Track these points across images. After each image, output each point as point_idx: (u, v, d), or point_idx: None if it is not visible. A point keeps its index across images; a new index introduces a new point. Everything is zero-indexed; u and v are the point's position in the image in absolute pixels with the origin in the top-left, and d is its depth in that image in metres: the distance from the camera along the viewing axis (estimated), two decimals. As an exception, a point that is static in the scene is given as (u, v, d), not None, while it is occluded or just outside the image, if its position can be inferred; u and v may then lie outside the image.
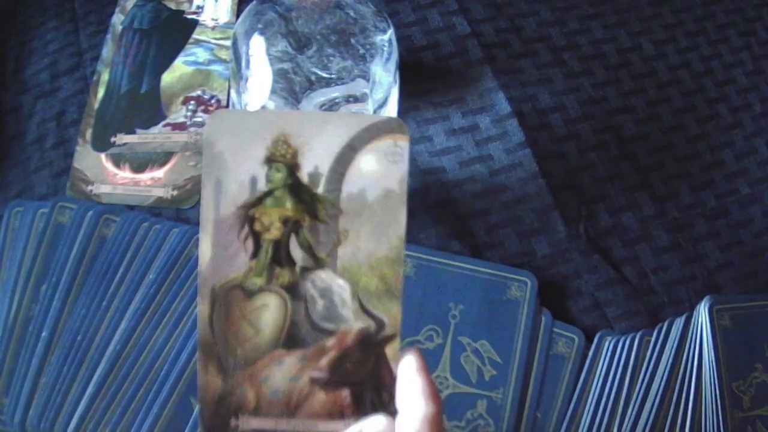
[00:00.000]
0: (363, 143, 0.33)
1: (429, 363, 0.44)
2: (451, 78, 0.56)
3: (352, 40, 0.43)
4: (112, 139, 0.54)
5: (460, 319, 0.46)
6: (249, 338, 0.33)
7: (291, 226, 0.33)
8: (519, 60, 0.57)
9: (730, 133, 0.56)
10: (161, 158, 0.53)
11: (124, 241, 0.48)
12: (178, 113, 0.55)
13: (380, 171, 0.33)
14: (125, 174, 0.53)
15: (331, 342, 0.32)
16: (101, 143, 0.54)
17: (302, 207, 0.33)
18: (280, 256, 0.33)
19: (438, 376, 0.45)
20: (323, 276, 0.33)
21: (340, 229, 0.33)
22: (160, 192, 0.52)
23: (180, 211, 0.51)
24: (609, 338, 0.46)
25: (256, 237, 0.33)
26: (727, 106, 0.57)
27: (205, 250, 0.32)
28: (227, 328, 0.33)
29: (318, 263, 0.33)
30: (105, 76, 0.57)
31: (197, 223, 0.50)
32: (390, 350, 0.33)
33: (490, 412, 0.44)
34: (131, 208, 0.51)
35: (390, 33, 0.45)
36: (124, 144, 0.54)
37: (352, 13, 0.44)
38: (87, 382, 0.45)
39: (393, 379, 0.32)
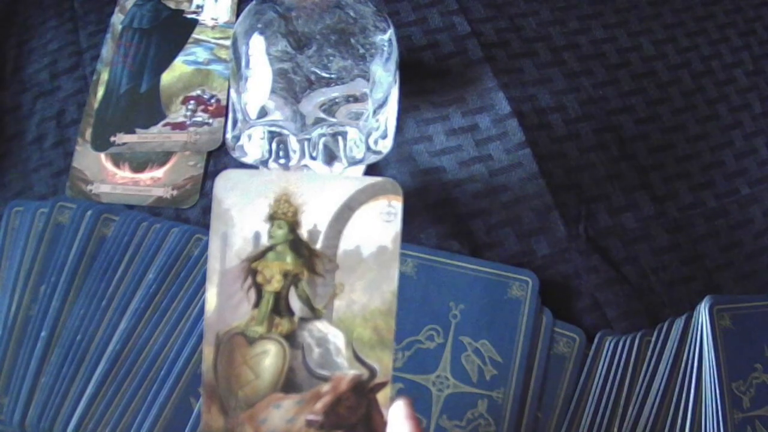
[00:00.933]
0: (359, 203, 0.36)
1: (429, 363, 0.45)
2: (451, 78, 0.56)
3: (352, 40, 0.43)
4: (112, 139, 0.54)
5: (460, 319, 0.46)
6: (249, 382, 0.35)
7: (291, 279, 0.35)
8: (519, 60, 0.57)
9: (729, 133, 0.56)
10: (161, 158, 0.53)
11: (123, 241, 0.48)
12: (178, 113, 0.55)
13: (375, 229, 0.36)
14: (125, 174, 0.53)
15: (326, 387, 0.35)
16: (101, 143, 0.54)
17: (301, 261, 0.36)
18: (280, 306, 0.35)
19: (439, 375, 0.45)
20: (320, 326, 0.35)
21: (337, 283, 0.35)
22: (159, 192, 0.52)
23: (179, 211, 0.51)
24: (609, 338, 0.46)
25: (258, 288, 0.35)
26: (727, 106, 0.57)
27: (210, 298, 0.35)
28: (229, 372, 0.35)
29: (315, 314, 0.35)
30: (105, 76, 0.57)
31: (197, 223, 0.50)
32: (381, 397, 0.35)
33: (491, 411, 0.44)
34: (131, 207, 0.51)
35: (390, 33, 0.45)
36: (124, 144, 0.54)
37: (352, 13, 0.44)
38: (86, 381, 0.45)
39: (384, 424, 0.34)
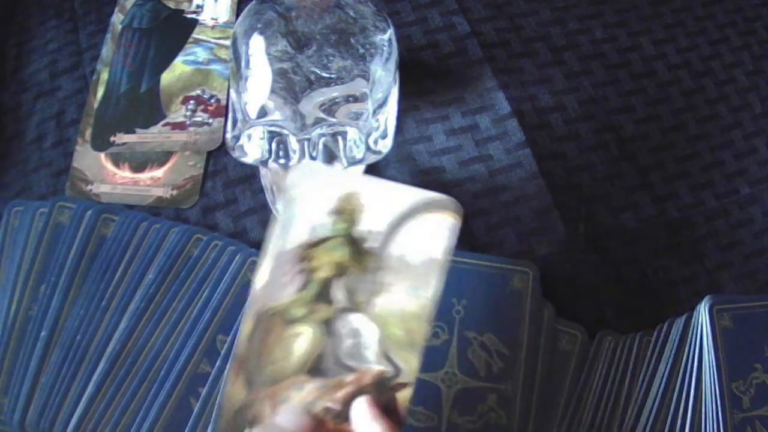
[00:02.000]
0: (419, 212, 0.37)
1: (436, 360, 0.45)
2: (451, 78, 0.56)
3: (352, 40, 0.43)
4: (112, 139, 0.54)
5: (464, 314, 0.46)
6: (279, 360, 0.36)
7: (339, 270, 0.37)
8: (519, 60, 0.57)
9: (730, 133, 0.56)
10: (161, 158, 0.53)
11: (123, 241, 0.48)
12: (178, 113, 0.55)
13: (428, 239, 0.37)
14: (124, 173, 0.53)
15: (350, 378, 0.36)
16: (101, 143, 0.54)
17: (352, 256, 0.37)
18: (323, 294, 0.37)
19: (447, 372, 0.45)
20: (357, 319, 0.37)
21: (381, 282, 0.37)
22: (159, 191, 0.52)
23: (179, 211, 0.51)
24: (609, 338, 0.46)
25: (308, 274, 0.37)
26: (727, 106, 0.57)
27: (262, 275, 0.37)
28: (262, 347, 0.36)
29: (355, 306, 0.37)
30: (104, 76, 0.57)
31: (197, 223, 0.50)
32: (401, 397, 0.36)
33: (501, 404, 0.44)
34: (130, 207, 0.51)
35: (390, 33, 0.45)
36: (124, 143, 0.54)
37: (352, 13, 0.44)
38: (86, 381, 0.45)
39: (400, 424, 0.35)
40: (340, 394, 0.35)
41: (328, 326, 0.36)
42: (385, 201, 0.38)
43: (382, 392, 0.36)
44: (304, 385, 0.36)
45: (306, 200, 0.37)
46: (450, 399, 0.44)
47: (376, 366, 0.36)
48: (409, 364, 0.36)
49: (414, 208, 0.38)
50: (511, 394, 0.44)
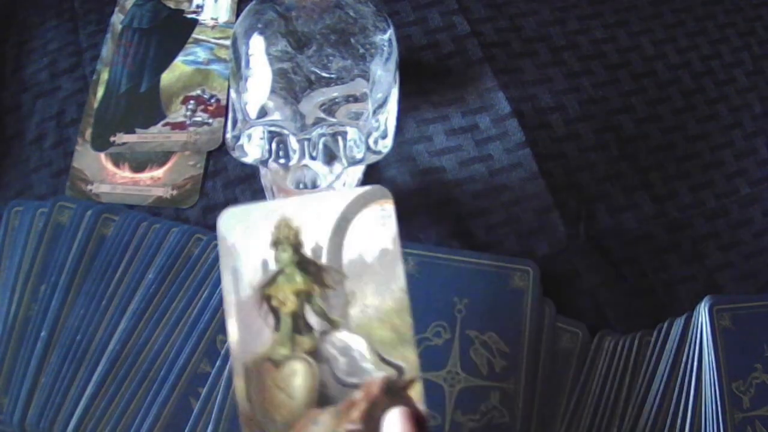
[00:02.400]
0: (353, 213, 0.37)
1: (438, 359, 0.45)
2: (451, 78, 0.56)
3: (352, 40, 0.43)
4: (112, 139, 0.54)
5: (466, 313, 0.46)
6: (285, 404, 0.36)
7: (304, 297, 0.37)
8: (519, 60, 0.57)
9: (729, 133, 0.56)
10: (161, 158, 0.53)
11: (123, 241, 0.48)
12: (178, 113, 0.55)
13: (373, 234, 0.37)
14: (125, 173, 0.53)
15: (358, 395, 0.35)
16: (101, 143, 0.54)
17: (311, 278, 0.37)
18: (299, 325, 0.36)
19: (449, 371, 0.45)
20: (340, 336, 0.36)
21: (348, 292, 0.37)
22: (159, 191, 0.52)
23: (179, 211, 0.51)
24: (609, 338, 0.46)
25: (275, 312, 0.36)
26: (726, 106, 0.57)
27: (232, 331, 0.36)
28: (263, 398, 0.36)
29: (333, 325, 0.36)
30: (104, 76, 0.57)
31: (197, 223, 0.50)
32: (414, 393, 0.35)
33: (504, 402, 0.44)
34: (131, 207, 0.51)
35: (390, 33, 0.45)
36: (124, 143, 0.54)
37: (352, 13, 0.44)
38: (86, 381, 0.45)
39: (424, 419, 0.35)
40: (356, 413, 0.35)
41: (316, 354, 0.36)
42: (317, 215, 0.38)
43: (394, 396, 0.35)
44: (318, 418, 0.35)
45: (244, 243, 0.37)
46: (452, 398, 0.44)
47: (377, 374, 0.36)
48: (408, 360, 0.36)
49: (348, 210, 0.38)
50: (514, 393, 0.44)
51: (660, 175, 0.54)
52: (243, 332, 0.37)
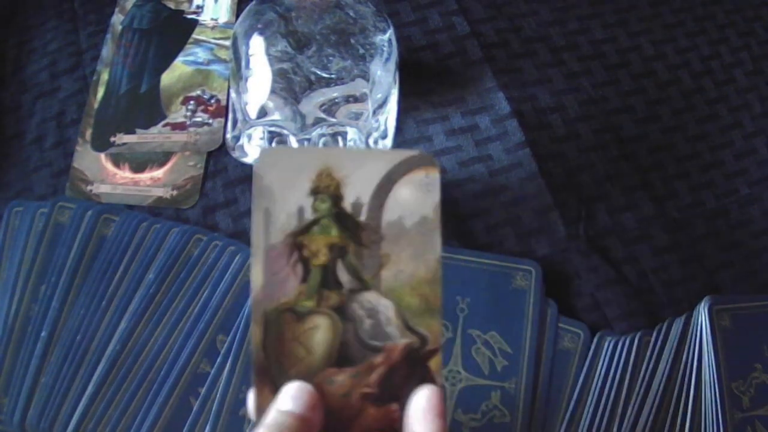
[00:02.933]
0: (399, 175, 0.36)
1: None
2: (451, 78, 0.56)
3: (352, 40, 0.43)
4: (112, 139, 0.54)
5: (468, 312, 0.46)
6: (302, 359, 0.34)
7: (337, 251, 0.35)
8: (519, 60, 0.57)
9: (729, 133, 0.56)
10: (161, 158, 0.53)
11: (123, 241, 0.48)
12: (178, 113, 0.55)
13: (415, 200, 0.36)
14: (125, 174, 0.53)
15: (379, 358, 0.34)
16: (101, 143, 0.54)
17: (347, 234, 0.35)
18: (329, 280, 0.35)
19: (451, 370, 0.45)
20: (369, 297, 0.35)
21: (383, 254, 0.35)
22: (159, 192, 0.52)
23: (179, 211, 0.51)
24: (609, 338, 0.46)
25: (305, 263, 0.35)
26: (726, 106, 0.57)
27: (257, 276, 0.34)
28: (280, 350, 0.34)
29: (364, 285, 0.35)
30: (104, 76, 0.57)
31: (197, 223, 0.50)
32: (433, 364, 0.34)
33: (505, 402, 0.44)
34: (131, 207, 0.51)
35: (390, 33, 0.45)
36: (124, 144, 0.54)
37: (351, 13, 0.44)
38: (86, 381, 0.45)
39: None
40: (374, 376, 0.34)
41: (342, 312, 0.35)
42: (361, 170, 0.36)
43: (414, 365, 0.35)
44: (334, 378, 0.34)
45: (280, 186, 0.35)
46: (454, 397, 0.44)
47: (401, 340, 0.35)
48: (432, 330, 0.35)
49: (394, 171, 0.36)
50: (515, 392, 0.44)
51: (660, 175, 0.54)
52: (268, 278, 0.35)
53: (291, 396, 0.32)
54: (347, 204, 0.35)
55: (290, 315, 0.35)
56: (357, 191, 0.36)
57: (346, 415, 0.34)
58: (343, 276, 0.35)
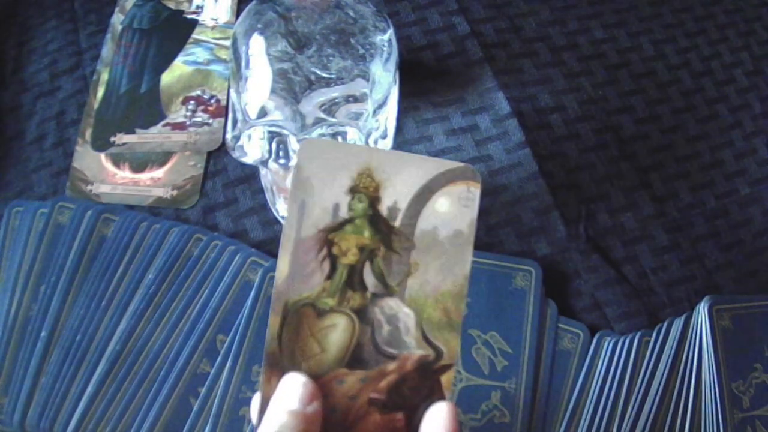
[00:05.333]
0: (440, 186, 0.35)
1: None
2: (451, 78, 0.56)
3: (352, 40, 0.43)
4: (112, 139, 0.54)
5: (468, 312, 0.46)
6: (315, 355, 0.34)
7: (367, 253, 0.35)
8: (519, 60, 0.57)
9: (729, 133, 0.56)
10: (161, 158, 0.53)
11: (123, 241, 0.48)
12: (178, 113, 0.55)
13: (452, 213, 0.35)
14: (125, 174, 0.53)
15: (392, 366, 0.34)
16: (101, 143, 0.54)
17: (379, 237, 0.35)
18: (354, 280, 0.35)
19: None
20: (391, 303, 0.35)
21: (412, 262, 0.35)
22: (159, 192, 0.52)
23: (179, 211, 0.51)
24: (609, 338, 0.46)
25: (333, 260, 0.35)
26: (726, 106, 0.57)
27: (283, 266, 0.34)
28: (295, 343, 0.34)
29: (388, 291, 0.35)
30: (104, 76, 0.57)
31: (197, 223, 0.50)
32: (445, 379, 0.34)
33: (505, 402, 0.44)
34: (131, 207, 0.51)
35: (390, 33, 0.45)
36: (124, 144, 0.54)
37: (351, 13, 0.44)
38: (86, 381, 0.45)
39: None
40: (384, 383, 0.34)
41: (362, 314, 0.35)
42: (403, 174, 0.35)
43: (425, 377, 0.34)
44: (344, 379, 0.34)
45: (319, 180, 0.35)
46: (454, 397, 0.44)
47: (416, 351, 0.34)
48: (450, 346, 0.35)
49: (435, 180, 0.35)
50: (515, 392, 0.44)
51: (660, 175, 0.54)
52: (294, 270, 0.35)
53: (292, 391, 0.32)
54: (384, 207, 0.35)
55: (310, 310, 0.34)
56: (395, 196, 0.35)
57: (350, 417, 0.34)
58: (369, 279, 0.35)
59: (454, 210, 0.36)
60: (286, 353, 0.34)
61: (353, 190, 0.35)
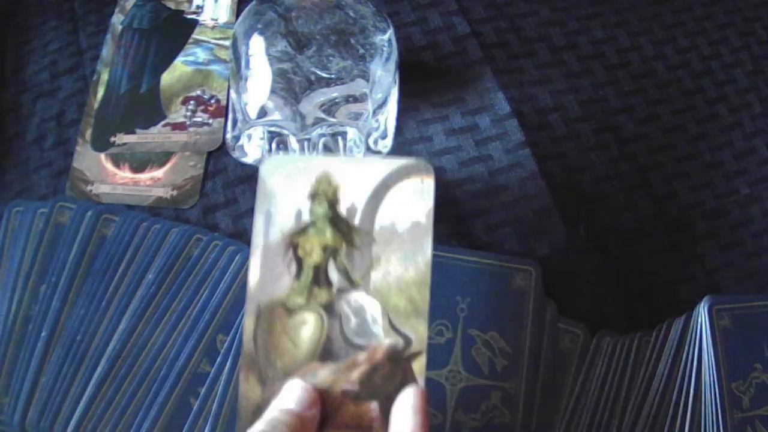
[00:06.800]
0: (394, 182, 0.38)
1: (440, 358, 0.45)
2: (451, 78, 0.56)
3: (352, 40, 0.43)
4: (112, 139, 0.54)
5: (468, 312, 0.46)
6: (288, 351, 0.36)
7: (330, 252, 0.37)
8: (519, 60, 0.57)
9: (729, 133, 0.56)
10: (161, 158, 0.53)
11: (123, 241, 0.48)
12: (178, 113, 0.55)
13: (409, 205, 0.38)
14: (125, 174, 0.53)
15: (362, 356, 0.36)
16: (101, 143, 0.54)
17: (340, 236, 0.37)
18: (320, 278, 0.37)
19: (451, 370, 0.45)
20: (357, 296, 0.37)
21: (373, 256, 0.37)
22: (159, 192, 0.52)
23: (179, 211, 0.51)
24: (608, 338, 0.46)
25: (299, 261, 0.37)
26: (726, 106, 0.57)
27: (254, 271, 0.37)
28: (269, 341, 0.36)
29: (353, 285, 0.37)
30: (105, 76, 0.57)
31: (197, 223, 0.50)
32: (416, 366, 0.36)
33: (505, 402, 0.44)
34: (131, 207, 0.51)
35: (390, 33, 0.45)
36: (124, 144, 0.54)
37: (351, 13, 0.44)
38: (87, 381, 0.45)
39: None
40: (356, 374, 0.35)
41: (330, 309, 0.36)
42: (358, 176, 0.38)
43: (396, 365, 0.35)
44: (318, 372, 0.35)
45: (282, 190, 0.38)
46: (454, 397, 0.44)
47: (385, 340, 0.36)
48: (418, 332, 0.36)
49: (389, 178, 0.38)
50: (515, 393, 0.44)
51: (660, 175, 0.54)
52: (264, 274, 0.37)
53: (291, 394, 0.33)
54: (343, 208, 0.37)
55: (281, 309, 0.36)
56: (353, 196, 0.38)
57: (325, 409, 0.34)
58: (334, 275, 0.37)
59: (409, 203, 0.38)
60: (261, 352, 0.35)
61: (313, 196, 0.37)
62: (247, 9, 0.45)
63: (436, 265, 0.47)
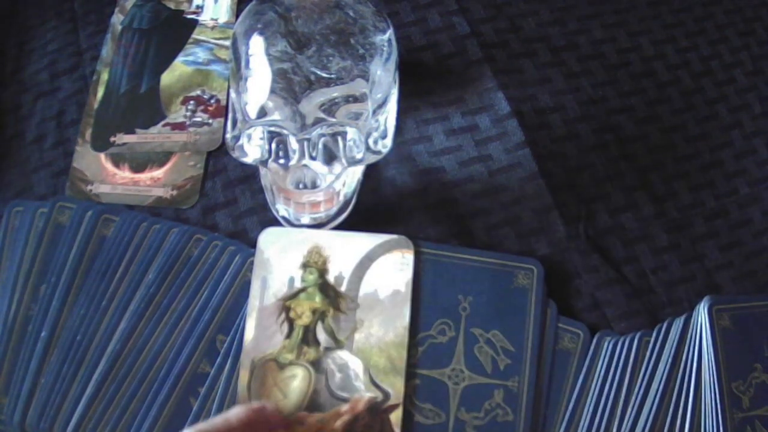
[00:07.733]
0: (377, 255, 0.44)
1: (443, 357, 0.45)
2: (451, 78, 0.56)
3: (352, 40, 0.43)
4: (112, 139, 0.54)
5: (470, 311, 0.46)
6: (279, 401, 0.41)
7: (318, 315, 0.43)
8: (518, 60, 0.57)
9: (729, 133, 0.56)
10: (161, 158, 0.53)
11: (123, 241, 0.48)
12: (178, 113, 0.55)
13: (390, 276, 0.44)
14: (124, 174, 0.53)
15: (345, 407, 0.41)
16: (101, 143, 0.54)
17: (328, 301, 0.43)
18: (308, 338, 0.43)
19: (454, 369, 0.45)
20: (342, 355, 0.42)
21: (357, 319, 0.43)
22: (159, 192, 0.52)
23: (179, 211, 0.51)
24: (608, 338, 0.46)
25: (291, 322, 0.43)
26: (726, 106, 0.57)
27: (249, 330, 0.43)
28: (261, 392, 0.42)
29: (338, 344, 0.43)
30: (104, 76, 0.57)
31: (197, 223, 0.50)
32: (394, 417, 0.41)
33: (508, 400, 0.44)
34: (131, 207, 0.51)
35: (389, 33, 0.45)
36: (124, 144, 0.54)
37: (351, 13, 0.44)
38: (86, 381, 0.45)
39: None
40: (339, 423, 0.40)
41: (317, 365, 0.42)
42: (346, 249, 0.44)
43: (376, 416, 0.41)
44: (305, 420, 0.40)
45: (277, 259, 0.44)
46: (457, 395, 0.45)
47: (366, 394, 0.41)
48: (395, 387, 0.41)
49: (373, 251, 0.44)
50: (518, 391, 0.44)
51: (660, 175, 0.54)
52: (259, 333, 0.42)
53: (236, 409, 0.38)
54: (331, 276, 0.43)
55: (273, 364, 0.42)
56: (340, 267, 0.44)
57: None
58: (322, 336, 0.43)
59: (391, 274, 0.44)
60: (254, 401, 0.41)
61: (305, 265, 0.44)
62: (247, 9, 0.45)
63: (438, 264, 0.47)
